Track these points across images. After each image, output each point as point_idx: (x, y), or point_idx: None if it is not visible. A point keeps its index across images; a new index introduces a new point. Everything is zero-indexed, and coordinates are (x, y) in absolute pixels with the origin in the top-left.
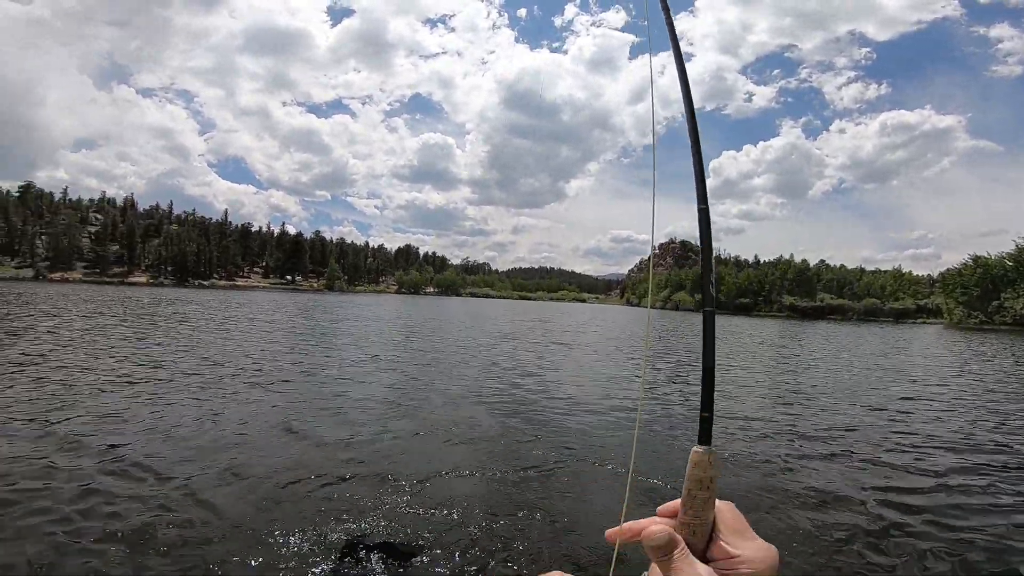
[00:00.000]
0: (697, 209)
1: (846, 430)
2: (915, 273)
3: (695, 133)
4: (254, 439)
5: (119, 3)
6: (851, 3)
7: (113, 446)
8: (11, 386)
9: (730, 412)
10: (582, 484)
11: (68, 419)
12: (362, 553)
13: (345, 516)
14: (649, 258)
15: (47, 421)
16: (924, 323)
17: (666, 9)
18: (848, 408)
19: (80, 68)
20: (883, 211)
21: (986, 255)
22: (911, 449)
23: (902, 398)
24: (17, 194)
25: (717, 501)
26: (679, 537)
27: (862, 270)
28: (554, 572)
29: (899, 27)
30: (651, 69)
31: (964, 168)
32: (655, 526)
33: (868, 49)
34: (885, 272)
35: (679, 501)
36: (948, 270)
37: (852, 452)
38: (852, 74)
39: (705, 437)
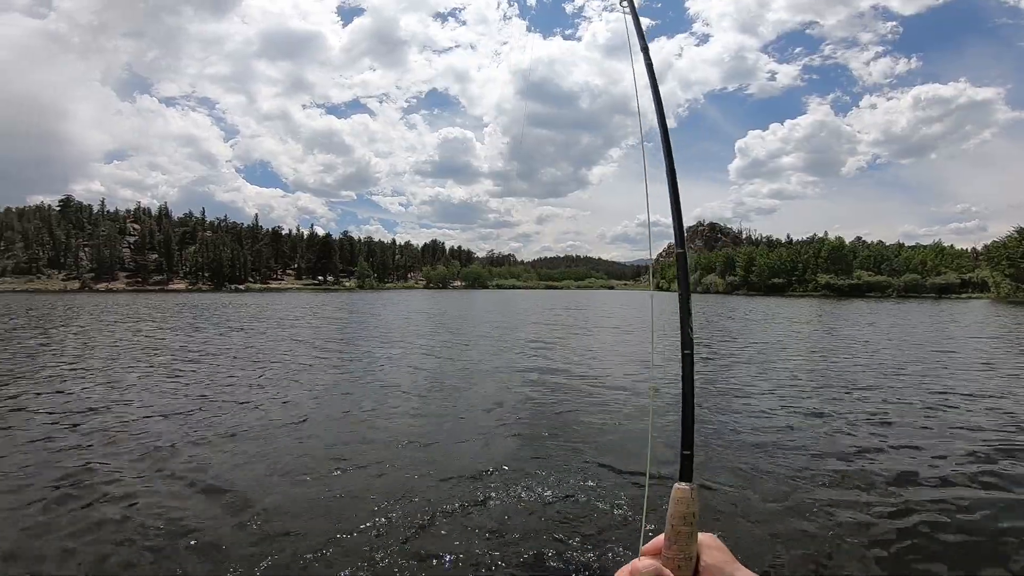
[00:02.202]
0: (675, 253)
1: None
2: (959, 247)
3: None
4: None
5: (131, 14)
6: None
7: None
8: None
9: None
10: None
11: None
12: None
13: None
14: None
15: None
16: (969, 298)
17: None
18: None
19: (102, 80)
20: (922, 186)
21: None
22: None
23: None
24: (58, 208)
25: (700, 534)
26: (668, 571)
27: (901, 245)
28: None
29: (924, 0)
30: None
31: (1006, 139)
32: (641, 562)
33: (894, 23)
34: (925, 247)
35: (662, 537)
36: (993, 242)
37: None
38: (879, 49)
39: (687, 474)
